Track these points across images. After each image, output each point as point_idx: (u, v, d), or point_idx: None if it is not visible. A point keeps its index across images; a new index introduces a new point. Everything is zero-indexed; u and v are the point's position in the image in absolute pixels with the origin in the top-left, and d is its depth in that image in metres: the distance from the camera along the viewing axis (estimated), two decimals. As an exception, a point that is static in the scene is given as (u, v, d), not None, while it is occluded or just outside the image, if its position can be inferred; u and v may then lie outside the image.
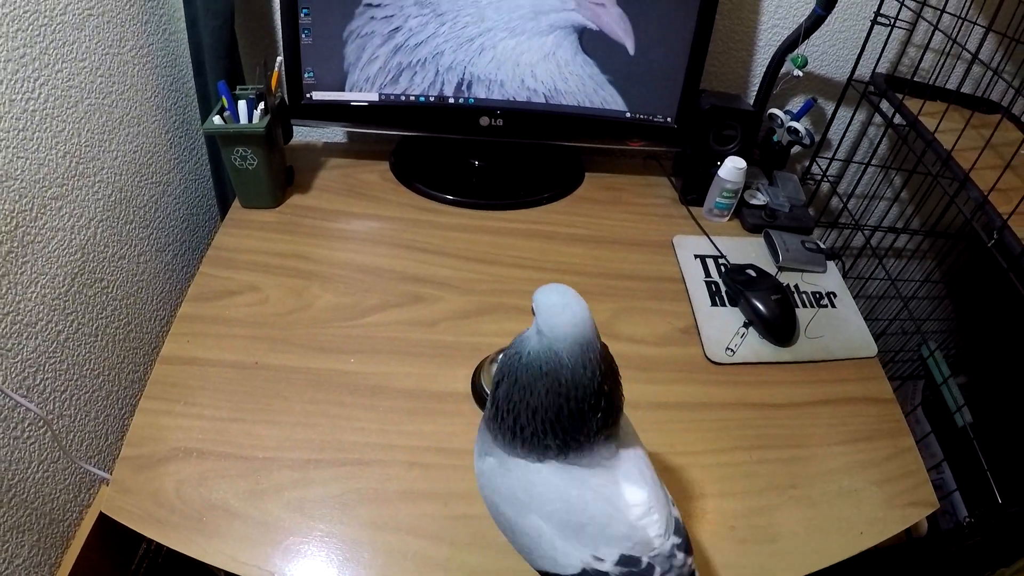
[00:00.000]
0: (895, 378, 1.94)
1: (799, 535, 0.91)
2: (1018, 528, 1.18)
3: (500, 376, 0.63)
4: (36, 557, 1.07)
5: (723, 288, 1.24)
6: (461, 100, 1.31)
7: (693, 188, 1.42)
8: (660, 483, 0.67)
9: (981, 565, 1.28)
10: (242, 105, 1.20)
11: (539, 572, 0.67)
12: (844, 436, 1.05)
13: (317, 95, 1.29)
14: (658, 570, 0.61)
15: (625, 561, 0.61)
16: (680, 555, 0.63)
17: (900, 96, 1.33)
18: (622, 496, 0.62)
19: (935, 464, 1.50)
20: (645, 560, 0.61)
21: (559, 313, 0.59)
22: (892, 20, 1.28)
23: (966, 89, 1.44)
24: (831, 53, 1.48)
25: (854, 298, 1.28)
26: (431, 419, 0.98)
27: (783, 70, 1.37)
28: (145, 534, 0.84)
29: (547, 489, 0.63)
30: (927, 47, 1.35)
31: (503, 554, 0.85)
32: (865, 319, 1.24)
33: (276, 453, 0.92)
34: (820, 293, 1.26)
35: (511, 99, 1.32)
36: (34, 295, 1.01)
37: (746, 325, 1.18)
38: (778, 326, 1.15)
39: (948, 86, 1.45)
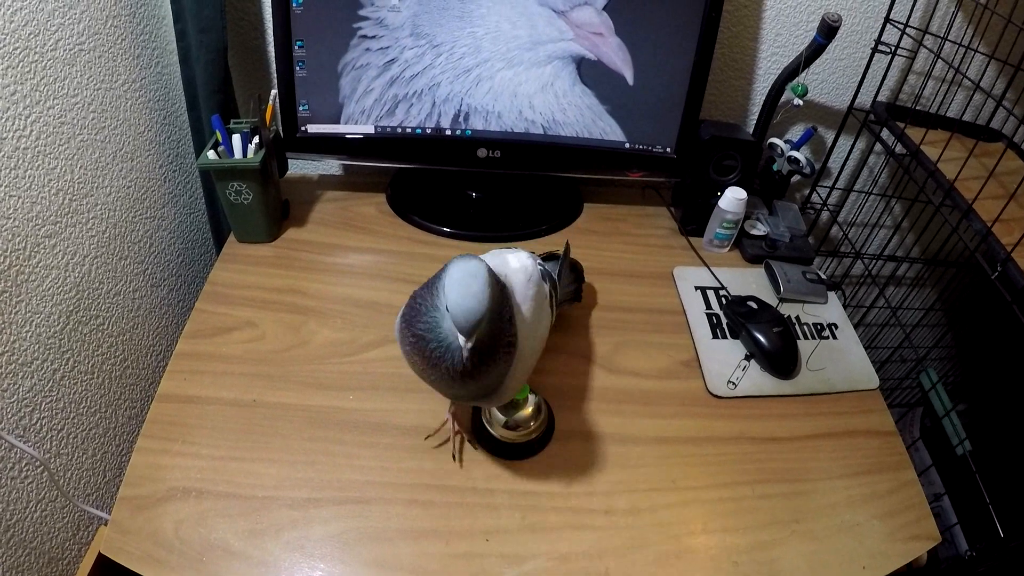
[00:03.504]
0: (894, 406, 1.94)
1: (802, 570, 0.91)
2: (1019, 562, 1.18)
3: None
4: (36, 597, 1.06)
5: (724, 320, 1.23)
6: (458, 132, 1.31)
7: (693, 219, 1.42)
8: None
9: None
10: (236, 139, 1.20)
11: None
12: (846, 469, 1.04)
13: (312, 128, 1.29)
14: None
15: None
16: None
17: (901, 125, 1.32)
18: None
19: (935, 496, 1.50)
20: None
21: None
22: (893, 48, 1.29)
23: (967, 117, 1.44)
24: (831, 82, 1.48)
25: (854, 326, 1.27)
26: (431, 455, 0.98)
27: (783, 99, 1.37)
28: (144, 575, 0.82)
29: None
30: (928, 75, 1.35)
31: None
32: (865, 347, 1.23)
33: (275, 492, 0.91)
34: (821, 324, 1.26)
35: (509, 130, 1.31)
36: (29, 334, 1.00)
37: (747, 358, 1.17)
38: (780, 358, 1.15)
39: (949, 114, 1.45)
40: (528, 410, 0.98)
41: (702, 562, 0.90)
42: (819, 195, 1.55)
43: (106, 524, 1.08)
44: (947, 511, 1.53)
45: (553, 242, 1.39)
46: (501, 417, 0.96)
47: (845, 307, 1.32)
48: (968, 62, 1.35)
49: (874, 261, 1.76)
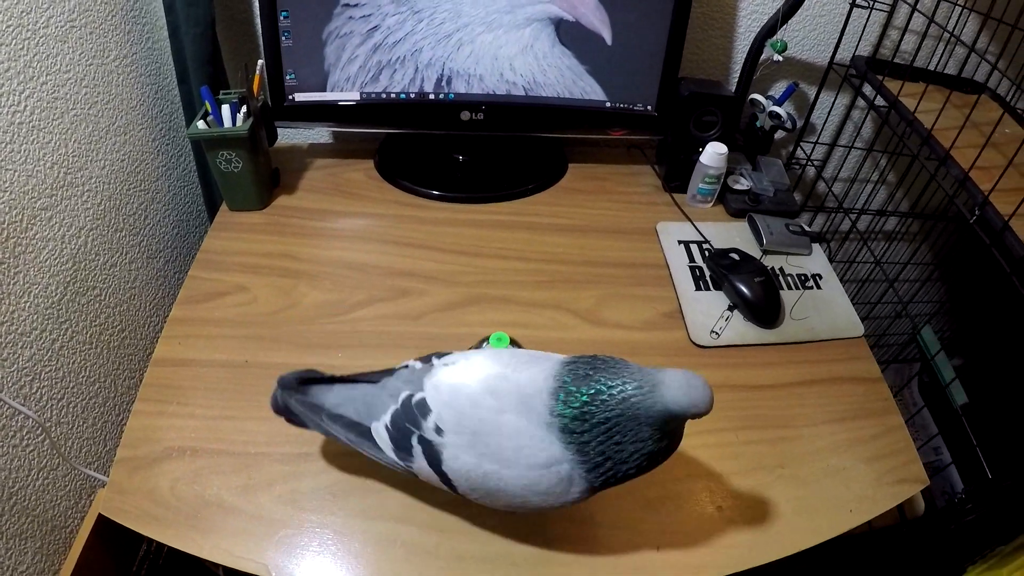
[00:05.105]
0: (889, 362, 1.95)
1: (788, 514, 0.92)
2: (1013, 503, 1.18)
3: None
4: (39, 563, 1.09)
5: (707, 272, 1.25)
6: (441, 96, 1.32)
7: (676, 175, 1.43)
8: None
9: (979, 544, 1.28)
10: (225, 109, 1.22)
11: None
12: (832, 415, 1.05)
13: (299, 96, 1.31)
14: None
15: None
16: None
17: (881, 78, 1.33)
18: None
19: (934, 445, 1.50)
20: None
21: None
22: (871, 2, 1.29)
23: (949, 70, 1.44)
24: (811, 37, 1.48)
25: (842, 282, 1.28)
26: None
27: (763, 56, 1.37)
28: (143, 533, 0.85)
29: None
30: (906, 28, 1.35)
31: (492, 540, 0.86)
32: (854, 302, 1.24)
33: (267, 448, 0.94)
34: (805, 275, 1.27)
35: (491, 93, 1.33)
36: (27, 305, 1.02)
37: (731, 308, 1.19)
38: (762, 308, 1.16)
39: (930, 67, 1.45)
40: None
41: (687, 507, 0.91)
42: (803, 150, 1.56)
43: (104, 486, 1.11)
44: (946, 462, 1.54)
45: (539, 201, 1.41)
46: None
47: (832, 262, 1.33)
48: (947, 15, 1.35)
49: (859, 215, 1.77)
